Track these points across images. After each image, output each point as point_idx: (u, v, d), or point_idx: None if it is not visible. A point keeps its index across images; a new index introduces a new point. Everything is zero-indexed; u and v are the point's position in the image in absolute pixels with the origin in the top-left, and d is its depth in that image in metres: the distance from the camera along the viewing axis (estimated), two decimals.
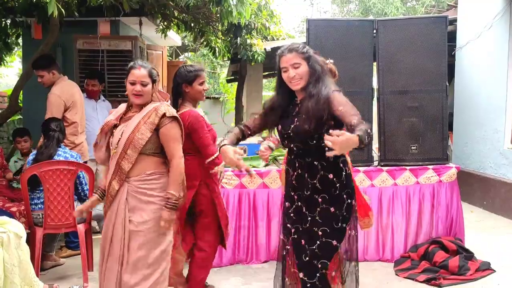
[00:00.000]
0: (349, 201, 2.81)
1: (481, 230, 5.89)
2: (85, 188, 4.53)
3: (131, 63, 3.23)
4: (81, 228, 4.38)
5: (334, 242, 2.76)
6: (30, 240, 4.16)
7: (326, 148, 2.33)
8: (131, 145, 3.08)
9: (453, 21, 7.55)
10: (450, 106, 7.34)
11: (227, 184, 4.70)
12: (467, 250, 4.66)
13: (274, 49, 8.51)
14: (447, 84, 4.93)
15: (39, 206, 4.36)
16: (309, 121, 2.69)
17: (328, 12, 23.84)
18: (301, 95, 2.84)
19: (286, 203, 2.95)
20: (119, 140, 3.13)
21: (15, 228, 3.77)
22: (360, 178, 4.79)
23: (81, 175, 4.44)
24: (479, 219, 6.46)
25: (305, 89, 2.77)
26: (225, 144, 2.75)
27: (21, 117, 8.13)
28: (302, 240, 2.79)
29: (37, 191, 4.38)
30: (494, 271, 4.49)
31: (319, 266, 2.75)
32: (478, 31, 7.01)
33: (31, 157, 4.49)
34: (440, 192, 4.89)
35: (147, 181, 3.12)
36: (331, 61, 3.89)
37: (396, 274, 4.51)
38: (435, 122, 4.92)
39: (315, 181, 2.77)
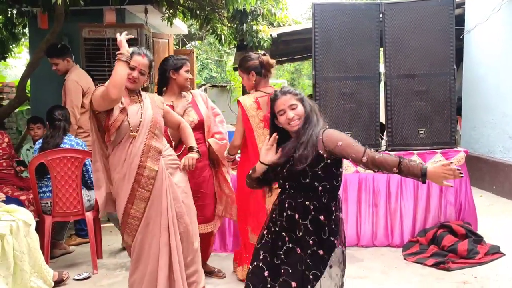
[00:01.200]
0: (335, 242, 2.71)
1: (491, 214, 5.86)
2: (91, 176, 4.55)
3: (135, 48, 3.24)
4: (89, 216, 4.41)
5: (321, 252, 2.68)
6: (39, 228, 4.19)
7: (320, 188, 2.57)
8: (158, 126, 3.26)
9: (461, 4, 7.47)
10: (459, 90, 7.29)
11: (233, 169, 4.67)
12: (476, 234, 4.64)
13: (281, 35, 8.48)
14: (455, 67, 4.88)
15: (47, 194, 4.39)
16: (301, 164, 2.60)
17: None
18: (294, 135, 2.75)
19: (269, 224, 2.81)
20: (139, 123, 3.19)
21: (24, 216, 3.82)
22: None
23: (87, 163, 4.46)
24: (488, 204, 6.42)
25: (299, 132, 2.69)
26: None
27: (29, 107, 8.16)
28: (293, 283, 2.63)
29: (45, 179, 4.41)
30: (504, 254, 4.46)
31: (311, 277, 2.65)
32: (487, 14, 6.92)
33: (37, 145, 4.51)
34: None
35: (169, 152, 3.37)
36: (262, 52, 3.94)
37: (405, 259, 4.50)
38: (443, 106, 4.88)
39: (306, 222, 2.66)
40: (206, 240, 4.02)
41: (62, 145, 4.41)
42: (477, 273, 4.12)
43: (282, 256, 2.71)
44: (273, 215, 2.78)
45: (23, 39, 8.82)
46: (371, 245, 4.79)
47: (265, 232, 2.78)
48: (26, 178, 5.00)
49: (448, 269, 4.19)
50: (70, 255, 4.83)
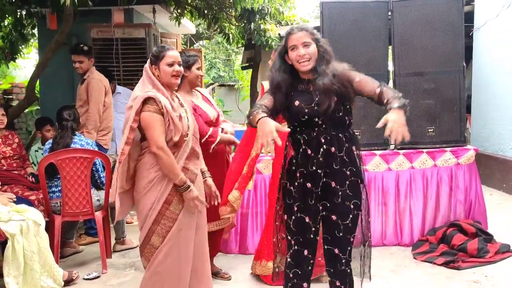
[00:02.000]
0: (364, 170, 2.81)
1: (501, 212, 5.81)
2: (101, 175, 4.58)
3: (158, 48, 3.17)
4: (98, 215, 4.43)
5: (361, 213, 2.75)
6: (49, 228, 4.21)
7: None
8: (196, 130, 3.26)
9: (471, 1, 7.42)
10: (468, 88, 7.24)
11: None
12: (486, 233, 4.60)
13: None
14: (464, 65, 4.85)
15: (57, 194, 4.41)
16: (329, 98, 2.63)
17: None
18: (307, 76, 2.75)
19: (291, 184, 2.80)
20: (188, 127, 3.13)
21: (34, 216, 3.84)
22: (376, 162, 4.76)
23: (97, 162, 4.47)
24: (498, 202, 6.38)
25: (315, 70, 2.70)
26: (264, 116, 2.57)
27: (38, 107, 8.21)
28: (333, 216, 2.71)
29: (54, 179, 4.43)
30: None
31: (351, 240, 2.74)
32: (496, 10, 6.86)
33: (47, 145, 4.54)
34: (458, 175, 4.84)
35: None
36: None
37: (414, 258, 4.48)
38: (452, 103, 4.85)
39: (342, 154, 2.70)
40: (216, 239, 4.04)
41: (72, 145, 4.43)
42: (487, 272, 4.09)
43: (317, 192, 2.70)
44: (292, 167, 2.78)
45: (32, 40, 8.88)
46: (381, 244, 4.77)
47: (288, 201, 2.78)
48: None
49: (458, 268, 4.16)
50: (80, 255, 4.85)
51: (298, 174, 2.74)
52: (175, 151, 3.04)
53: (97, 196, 4.50)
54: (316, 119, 2.69)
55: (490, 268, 4.17)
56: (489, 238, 4.53)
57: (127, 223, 5.39)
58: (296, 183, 2.75)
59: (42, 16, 6.78)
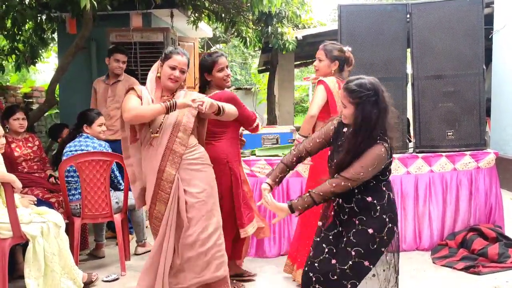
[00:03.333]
0: (390, 225, 2.73)
1: None
2: (117, 176, 4.62)
3: (172, 48, 3.25)
4: (117, 217, 4.45)
5: (366, 263, 2.71)
6: (69, 230, 4.26)
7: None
8: (182, 128, 3.22)
9: (490, 3, 7.33)
10: (488, 91, 7.15)
11: (260, 173, 4.70)
12: (507, 238, 4.54)
13: (306, 37, 8.46)
14: (484, 67, 4.80)
15: (77, 196, 4.45)
16: (345, 158, 2.67)
17: None
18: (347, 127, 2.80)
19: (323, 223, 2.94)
20: (161, 124, 3.20)
21: (55, 218, 3.88)
22: (395, 165, 4.72)
23: (114, 165, 4.51)
24: None
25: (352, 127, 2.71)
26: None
27: (57, 111, 8.31)
28: (333, 260, 2.74)
29: (73, 182, 4.48)
30: None
31: (349, 286, 2.71)
32: None
33: (67, 148, 4.57)
34: (478, 179, 4.78)
35: (192, 152, 3.30)
36: (349, 48, 3.87)
37: (433, 262, 4.44)
38: (472, 106, 4.80)
39: (352, 205, 2.74)
40: (242, 241, 4.00)
41: (86, 148, 4.46)
42: (509, 278, 4.03)
43: (331, 240, 2.82)
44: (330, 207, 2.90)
45: (51, 44, 8.99)
46: (400, 249, 4.72)
47: (320, 225, 2.91)
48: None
49: (478, 273, 4.11)
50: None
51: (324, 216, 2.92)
52: (142, 143, 3.26)
53: (116, 198, 4.53)
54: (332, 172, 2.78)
55: (511, 273, 4.12)
56: (510, 243, 4.47)
57: (147, 226, 5.42)
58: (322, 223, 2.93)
59: (61, 21, 6.86)
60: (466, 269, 4.19)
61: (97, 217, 4.42)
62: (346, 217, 2.76)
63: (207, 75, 3.72)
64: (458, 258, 4.36)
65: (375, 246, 2.70)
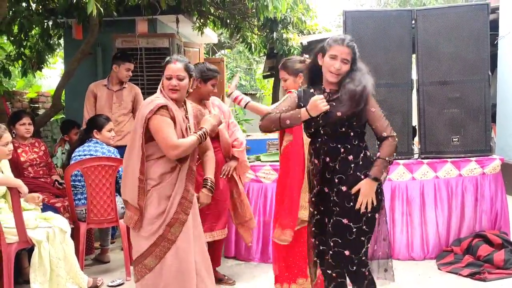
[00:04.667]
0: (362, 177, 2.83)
1: None
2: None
3: (168, 58, 3.18)
4: (122, 223, 4.46)
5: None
6: (74, 235, 4.27)
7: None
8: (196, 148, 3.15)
9: (496, 9, 7.32)
10: (493, 97, 7.13)
11: (265, 178, 4.70)
12: None
13: (311, 43, 8.47)
14: (490, 73, 4.79)
15: (82, 201, 4.46)
16: (347, 107, 2.78)
17: (365, 5, 23.53)
18: (331, 86, 2.90)
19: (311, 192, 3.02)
20: None
21: (60, 223, 3.91)
22: (400, 171, 4.72)
23: (120, 169, 4.52)
24: None
25: (343, 80, 2.84)
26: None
27: (63, 116, 8.35)
28: (345, 220, 2.82)
29: (79, 187, 4.49)
30: None
31: (365, 241, 2.85)
32: None
33: (76, 153, 4.58)
34: (484, 185, 4.77)
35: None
36: (307, 56, 3.88)
37: (439, 269, 4.42)
38: (477, 112, 4.79)
39: (335, 163, 2.86)
40: (218, 246, 4.13)
41: (94, 154, 4.48)
42: None
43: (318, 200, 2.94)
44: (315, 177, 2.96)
45: (58, 50, 9.04)
46: (407, 256, 4.70)
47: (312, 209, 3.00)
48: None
49: (484, 280, 4.10)
50: None
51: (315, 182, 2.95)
52: (177, 165, 3.01)
53: (121, 203, 4.53)
54: (319, 129, 2.88)
55: None
56: None
57: None
58: (314, 190, 2.95)
59: (68, 27, 6.91)
60: (471, 276, 4.18)
61: (103, 222, 4.44)
62: (330, 176, 2.87)
63: (200, 82, 3.84)
64: (463, 264, 4.35)
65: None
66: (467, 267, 4.29)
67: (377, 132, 2.85)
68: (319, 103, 2.76)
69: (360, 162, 2.84)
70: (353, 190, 2.78)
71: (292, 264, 3.71)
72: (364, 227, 2.80)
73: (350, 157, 2.83)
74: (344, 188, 2.83)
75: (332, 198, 2.87)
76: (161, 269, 2.96)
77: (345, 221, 2.80)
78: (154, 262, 2.96)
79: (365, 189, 2.76)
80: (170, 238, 2.97)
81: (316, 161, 2.91)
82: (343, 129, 2.83)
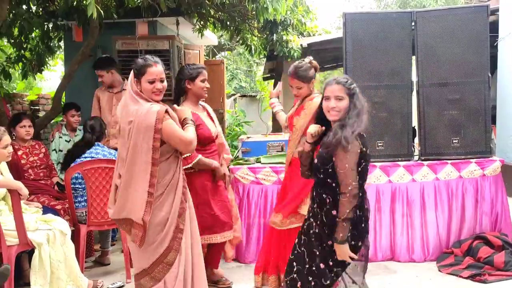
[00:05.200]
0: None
1: None
2: None
3: (141, 61, 3.07)
4: None
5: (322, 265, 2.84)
6: (75, 237, 4.27)
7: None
8: None
9: (495, 11, 7.33)
10: (493, 98, 7.13)
11: (265, 180, 4.70)
12: None
13: (311, 45, 8.47)
14: (490, 75, 4.79)
15: (83, 204, 4.47)
16: (319, 153, 2.83)
17: (364, 7, 23.57)
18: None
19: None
20: None
21: (60, 226, 3.90)
22: (400, 173, 4.72)
23: None
24: None
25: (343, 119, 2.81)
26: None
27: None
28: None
29: (80, 189, 4.49)
30: None
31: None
32: None
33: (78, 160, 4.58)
34: (484, 186, 4.77)
35: None
36: (311, 57, 3.87)
37: (439, 270, 4.42)
38: (477, 114, 4.80)
39: (322, 213, 2.84)
40: (220, 248, 4.12)
41: (96, 156, 4.49)
42: None
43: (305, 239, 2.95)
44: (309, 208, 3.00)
45: (58, 52, 9.03)
46: (408, 258, 4.70)
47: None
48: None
49: (484, 282, 4.10)
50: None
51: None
52: (176, 162, 3.11)
53: None
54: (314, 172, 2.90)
55: None
56: None
57: None
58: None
59: (68, 29, 6.91)
60: (472, 278, 4.18)
61: (103, 224, 4.44)
62: (319, 223, 2.87)
63: (189, 83, 3.85)
64: (464, 266, 4.34)
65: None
66: (467, 269, 4.29)
67: (339, 187, 2.74)
68: (310, 129, 2.87)
69: (324, 217, 2.84)
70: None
71: (280, 258, 3.82)
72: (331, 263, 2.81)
73: (333, 212, 2.78)
74: (317, 230, 2.87)
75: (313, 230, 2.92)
76: (179, 260, 3.05)
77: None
78: (174, 255, 3.04)
79: (338, 254, 2.74)
80: (182, 228, 3.07)
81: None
82: (321, 176, 2.81)
